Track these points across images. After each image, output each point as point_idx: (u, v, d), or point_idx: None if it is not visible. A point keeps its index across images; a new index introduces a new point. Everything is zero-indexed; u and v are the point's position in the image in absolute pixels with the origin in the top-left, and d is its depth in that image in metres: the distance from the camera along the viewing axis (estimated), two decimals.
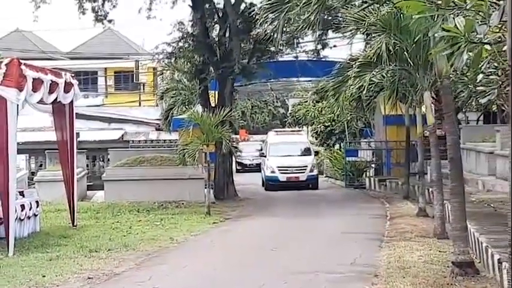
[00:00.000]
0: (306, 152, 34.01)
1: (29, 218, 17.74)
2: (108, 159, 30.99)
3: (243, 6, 27.22)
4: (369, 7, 16.12)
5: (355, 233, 17.56)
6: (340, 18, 19.41)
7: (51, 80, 17.12)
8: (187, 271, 13.18)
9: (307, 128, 48.25)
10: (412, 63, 15.82)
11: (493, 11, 9.03)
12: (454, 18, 8.50)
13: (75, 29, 63.34)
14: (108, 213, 22.20)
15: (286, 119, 56.01)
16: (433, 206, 21.24)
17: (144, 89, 57.06)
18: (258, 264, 13.56)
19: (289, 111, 54.73)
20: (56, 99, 17.52)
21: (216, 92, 28.01)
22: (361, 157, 34.60)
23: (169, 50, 27.63)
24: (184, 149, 22.92)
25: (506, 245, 12.04)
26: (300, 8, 14.54)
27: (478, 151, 25.67)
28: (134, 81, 55.11)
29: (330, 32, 28.34)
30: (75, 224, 19.22)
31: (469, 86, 15.58)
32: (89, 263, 13.94)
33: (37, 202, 18.49)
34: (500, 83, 12.83)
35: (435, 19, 8.65)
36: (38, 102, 16.98)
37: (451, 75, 11.96)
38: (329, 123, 43.61)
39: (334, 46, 31.10)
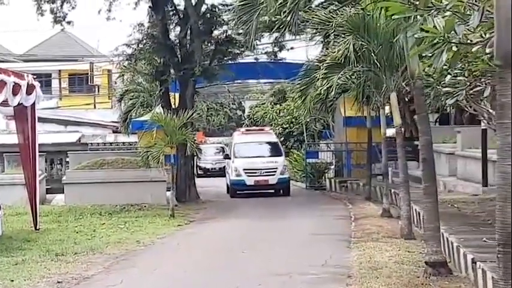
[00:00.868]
0: (276, 152, 30.62)
1: None
2: (67, 162, 30.64)
3: (204, 7, 27.12)
4: (335, 9, 16.17)
5: (323, 234, 17.57)
6: (298, 21, 19.47)
7: (14, 82, 16.85)
8: (158, 274, 13.06)
9: None
10: (379, 65, 15.90)
11: (470, 11, 9.09)
12: (433, 19, 8.53)
13: (30, 31, 62.58)
14: (70, 216, 21.90)
15: (243, 121, 56.00)
16: (395, 207, 21.50)
17: (98, 92, 56.58)
18: (229, 267, 13.48)
19: (247, 113, 54.73)
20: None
21: (177, 94, 27.85)
22: (321, 159, 34.69)
23: (129, 52, 27.38)
24: (147, 151, 22.72)
25: (477, 245, 12.17)
26: (276, 8, 14.52)
27: (439, 152, 25.89)
28: (89, 83, 54.60)
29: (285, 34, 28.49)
30: (37, 227, 18.92)
31: (437, 87, 15.71)
32: (56, 266, 13.73)
33: None
34: (468, 84, 12.97)
35: (413, 20, 8.67)
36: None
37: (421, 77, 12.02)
38: (287, 125, 43.76)
39: (292, 48, 31.23)
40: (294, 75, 28.38)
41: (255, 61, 30.28)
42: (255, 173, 29.35)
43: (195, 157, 30.36)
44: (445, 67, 14.87)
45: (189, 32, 26.82)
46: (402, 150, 16.39)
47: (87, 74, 53.68)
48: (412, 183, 18.27)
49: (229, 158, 31.00)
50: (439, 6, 8.49)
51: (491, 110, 14.69)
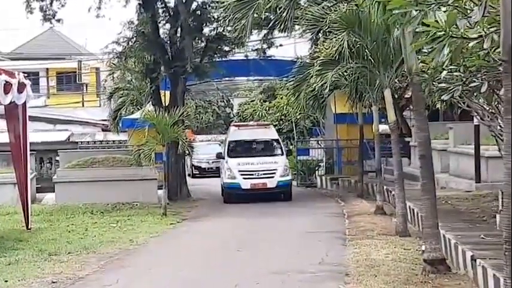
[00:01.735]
0: (276, 151, 27.36)
1: None
2: (56, 161, 30.44)
3: (194, 4, 26.97)
4: (329, 5, 16.09)
5: (317, 232, 17.49)
6: (287, 18, 19.41)
7: (5, 80, 16.67)
8: (154, 273, 12.93)
9: None
10: (373, 61, 15.82)
11: (470, 6, 9.01)
12: (434, 13, 8.45)
13: (18, 30, 62.23)
14: (62, 215, 21.74)
15: (231, 119, 55.92)
16: (388, 204, 21.44)
17: (87, 90, 56.33)
18: (226, 265, 13.38)
19: (236, 111, 54.64)
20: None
21: (168, 92, 27.70)
22: (312, 156, 34.61)
23: (119, 49, 27.20)
24: (139, 150, 22.58)
25: (475, 242, 12.12)
26: (272, 4, 14.44)
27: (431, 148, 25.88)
28: (77, 81, 54.37)
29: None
30: (29, 227, 18.76)
31: (433, 83, 15.64)
32: (50, 266, 13.59)
33: None
34: (464, 79, 12.90)
35: (416, 14, 8.58)
36: None
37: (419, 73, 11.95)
38: (277, 122, 43.67)
39: (281, 45, 31.17)
40: (285, 73, 28.38)
41: (246, 58, 30.14)
42: (252, 175, 25.83)
43: (187, 155, 29.99)
44: (439, 63, 14.75)
45: (179, 29, 26.67)
46: (397, 147, 16.33)
47: (75, 72, 53.45)
48: (404, 180, 18.21)
49: (223, 158, 27.45)
50: (440, 0, 8.41)
51: (486, 106, 14.65)
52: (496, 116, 14.71)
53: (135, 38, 26.92)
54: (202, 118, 64.40)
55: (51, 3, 26.89)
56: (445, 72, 12.47)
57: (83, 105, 52.38)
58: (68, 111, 46.43)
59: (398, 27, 9.77)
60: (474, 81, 12.68)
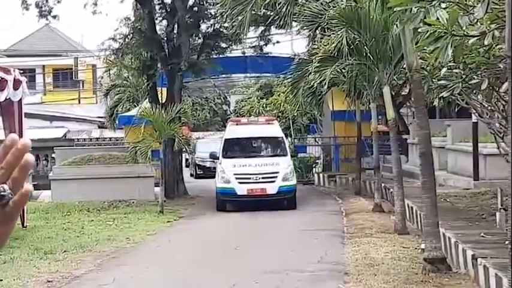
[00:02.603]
0: (279, 151, 23.81)
1: None
2: (52, 158, 30.30)
3: (191, 1, 26.83)
4: (328, 1, 15.97)
5: (315, 230, 17.36)
6: (286, 13, 19.30)
7: (1, 77, 16.51)
8: (152, 272, 12.81)
9: None
10: (372, 58, 15.70)
11: (473, 3, 8.89)
12: (435, 12, 8.33)
13: (13, 27, 62.04)
14: (58, 213, 21.61)
15: (228, 116, 55.82)
16: (386, 201, 21.33)
17: (83, 87, 56.19)
18: (223, 264, 13.26)
19: (233, 108, 54.55)
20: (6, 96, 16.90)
21: (165, 89, 27.56)
22: (309, 153, 34.47)
23: (116, 46, 27.06)
24: (136, 147, 22.44)
25: (475, 241, 12.01)
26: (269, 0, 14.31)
27: None
28: (73, 78, 54.21)
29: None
30: (25, 225, 18.60)
31: (433, 79, 15.52)
32: (46, 265, 13.46)
33: None
34: (464, 76, 12.80)
35: (416, 11, 8.47)
36: None
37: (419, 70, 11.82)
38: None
39: (278, 42, 31.07)
40: (282, 70, 28.24)
41: (243, 55, 29.99)
42: (249, 178, 22.27)
43: (191, 153, 29.63)
44: (444, 62, 14.59)
45: (176, 25, 26.53)
46: (395, 144, 16.22)
47: (72, 69, 53.28)
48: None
49: (217, 158, 24.14)
50: None
51: (485, 103, 14.55)
52: (495, 113, 14.62)
53: (131, 35, 26.80)
54: (199, 115, 64.37)
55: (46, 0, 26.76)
56: (444, 69, 12.37)
57: (79, 102, 52.26)
58: (64, 108, 46.28)
59: (399, 24, 9.66)
60: (474, 78, 12.59)
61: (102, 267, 13.33)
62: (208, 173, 34.37)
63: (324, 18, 15.66)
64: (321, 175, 31.87)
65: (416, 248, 13.73)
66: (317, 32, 21.65)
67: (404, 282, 10.87)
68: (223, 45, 27.29)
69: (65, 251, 14.95)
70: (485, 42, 8.71)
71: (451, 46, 8.10)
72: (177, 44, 26.24)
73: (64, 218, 20.82)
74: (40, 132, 35.78)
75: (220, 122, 57.68)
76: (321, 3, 15.63)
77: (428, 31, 7.69)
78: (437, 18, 8.12)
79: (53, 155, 29.66)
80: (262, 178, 22.30)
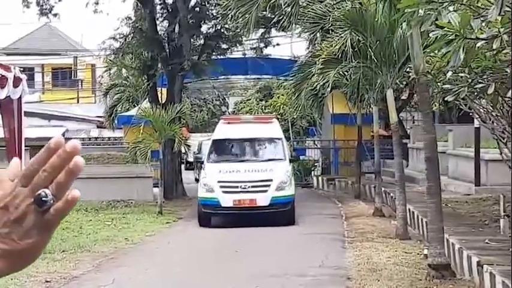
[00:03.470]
0: (276, 154, 20.29)
1: None
2: None
3: (193, 1, 26.70)
4: (332, 3, 15.84)
5: (315, 234, 17.19)
6: (291, 13, 19.19)
7: (1, 75, 16.34)
8: (150, 274, 12.65)
9: None
10: (376, 61, 15.57)
11: (485, 5, 8.75)
12: (447, 14, 8.20)
13: (13, 25, 61.92)
14: None
15: None
16: (386, 206, 21.19)
17: (82, 86, 56.10)
18: (223, 267, 13.10)
19: (232, 109, 54.41)
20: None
21: (165, 89, 27.43)
22: (308, 156, 34.34)
23: (116, 46, 26.95)
24: (135, 147, 22.29)
25: (480, 247, 11.87)
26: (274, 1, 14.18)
27: None
28: (72, 77, 54.11)
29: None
30: None
31: (438, 83, 15.37)
32: (44, 265, 13.27)
33: None
34: (470, 80, 12.66)
35: (427, 13, 8.33)
36: None
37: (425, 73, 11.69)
38: None
39: (278, 44, 31.01)
40: (282, 72, 28.14)
41: (244, 57, 29.88)
42: (235, 187, 18.88)
43: (183, 153, 29.50)
44: (456, 67, 14.40)
45: (177, 26, 26.40)
46: (398, 148, 16.07)
47: (71, 68, 53.19)
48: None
49: (201, 162, 21.10)
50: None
51: (490, 109, 14.43)
52: (500, 119, 14.49)
53: (132, 34, 26.69)
54: (197, 116, 64.24)
55: None
56: (450, 73, 12.24)
57: (78, 102, 52.14)
58: (63, 107, 46.13)
59: (407, 27, 9.52)
60: (480, 83, 12.47)
61: (101, 268, 13.18)
62: None
63: (328, 19, 15.51)
64: (319, 178, 31.74)
65: (418, 254, 13.59)
66: (318, 35, 21.56)
67: None
68: (224, 46, 27.17)
69: (63, 251, 14.79)
70: (494, 46, 8.59)
71: (463, 49, 7.98)
72: (178, 45, 26.10)
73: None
74: (38, 131, 35.58)
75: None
76: (325, 5, 15.49)
77: (438, 34, 7.56)
78: (449, 21, 7.99)
79: None
80: (252, 187, 18.84)
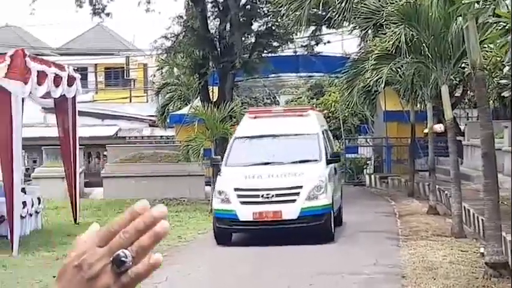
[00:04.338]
0: (308, 155, 16.53)
1: (30, 215, 17.18)
2: (104, 156, 30.41)
3: None
4: None
5: (368, 231, 17.04)
6: (345, 8, 19.05)
7: (55, 73, 16.54)
8: (203, 272, 12.67)
9: None
10: (430, 56, 15.32)
11: None
12: (506, 4, 8.03)
13: (66, 25, 62.72)
14: (110, 210, 21.64)
15: None
16: (440, 204, 20.90)
17: (134, 85, 56.59)
18: (278, 264, 13.02)
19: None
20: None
21: (216, 87, 27.45)
22: (361, 154, 34.10)
23: (168, 44, 27.06)
24: (188, 145, 22.35)
25: None
26: None
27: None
28: (125, 77, 54.62)
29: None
30: (77, 221, 18.64)
31: (494, 79, 15.05)
32: None
33: (39, 199, 17.93)
34: None
35: (484, 4, 8.17)
36: (40, 97, 16.42)
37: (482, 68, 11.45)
38: None
39: (328, 42, 30.82)
40: (334, 69, 27.95)
41: (295, 54, 29.76)
42: (256, 196, 15.49)
43: None
44: (499, 58, 14.22)
45: (228, 24, 26.38)
46: (454, 145, 15.81)
47: (123, 68, 53.69)
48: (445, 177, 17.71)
49: (218, 165, 17.23)
50: None
51: None
52: None
53: (183, 33, 26.74)
54: None
55: None
56: (507, 67, 12.00)
57: (130, 101, 52.59)
58: (115, 106, 46.55)
59: (463, 20, 9.34)
60: None
61: None
62: None
63: (381, 15, 15.32)
64: (372, 176, 31.49)
65: (475, 252, 13.37)
66: (369, 31, 21.35)
67: (465, 287, 10.55)
68: (275, 44, 27.07)
69: None
70: None
71: None
72: (230, 43, 26.08)
73: (115, 215, 20.66)
74: (92, 130, 35.95)
75: None
76: (378, 0, 15.31)
77: (498, 23, 7.40)
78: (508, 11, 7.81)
79: (105, 153, 29.76)
80: (276, 196, 15.37)
